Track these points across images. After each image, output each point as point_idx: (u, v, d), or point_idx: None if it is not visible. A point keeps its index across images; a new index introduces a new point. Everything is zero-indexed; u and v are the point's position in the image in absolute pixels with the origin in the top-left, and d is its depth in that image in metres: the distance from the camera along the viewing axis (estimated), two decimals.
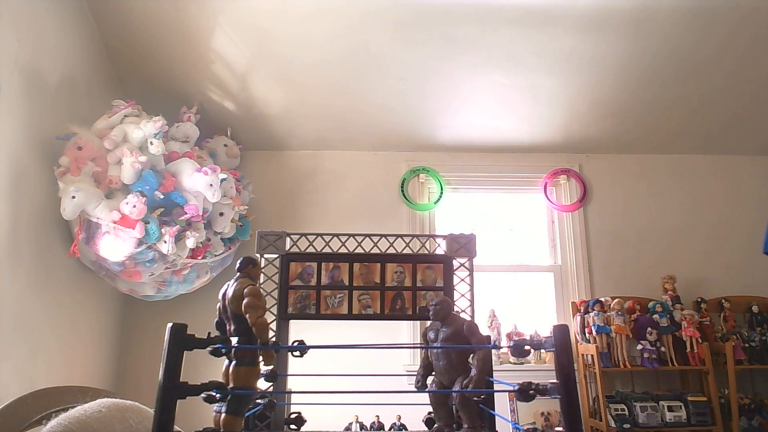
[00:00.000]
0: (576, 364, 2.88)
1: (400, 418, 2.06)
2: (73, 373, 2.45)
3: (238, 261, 0.92)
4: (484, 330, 2.58)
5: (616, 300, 2.91)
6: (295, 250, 1.38)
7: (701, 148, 3.39)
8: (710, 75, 2.86)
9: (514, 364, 3.01)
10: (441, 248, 1.38)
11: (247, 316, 0.84)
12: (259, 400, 1.10)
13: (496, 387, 1.00)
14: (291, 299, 1.35)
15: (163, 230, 2.24)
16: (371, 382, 1.05)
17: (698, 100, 3.02)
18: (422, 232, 3.22)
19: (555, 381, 0.74)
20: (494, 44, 2.67)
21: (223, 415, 0.82)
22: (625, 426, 2.60)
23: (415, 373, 1.07)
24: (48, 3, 2.27)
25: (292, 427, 1.24)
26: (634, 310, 2.95)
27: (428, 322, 1.10)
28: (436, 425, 1.04)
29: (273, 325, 1.27)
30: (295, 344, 0.98)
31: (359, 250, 1.40)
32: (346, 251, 1.40)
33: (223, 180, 2.47)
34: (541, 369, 2.98)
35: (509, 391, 0.81)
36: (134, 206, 2.15)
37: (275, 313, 1.32)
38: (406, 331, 3.03)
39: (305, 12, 2.51)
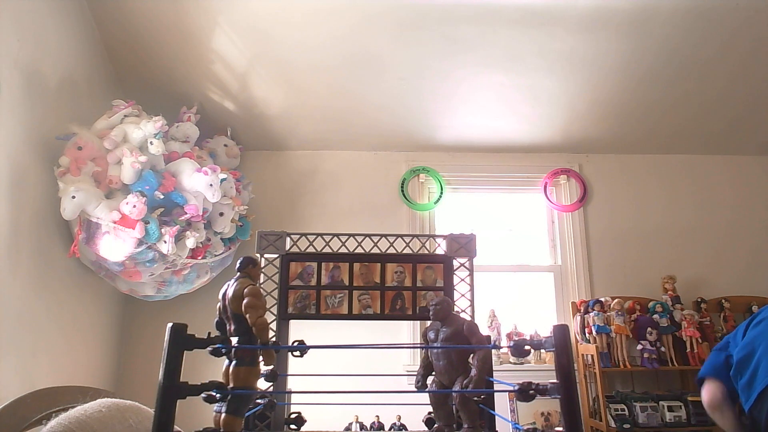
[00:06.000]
0: (576, 364, 2.88)
1: (400, 418, 2.06)
2: (73, 372, 2.45)
3: (238, 261, 0.92)
4: (484, 330, 2.58)
5: (616, 300, 2.91)
6: (295, 250, 1.38)
7: (703, 148, 3.39)
8: (712, 75, 2.86)
9: (514, 364, 3.01)
10: (441, 248, 1.38)
11: (247, 316, 0.84)
12: (259, 400, 1.10)
13: (496, 387, 1.00)
14: (291, 299, 1.35)
15: (163, 230, 2.24)
16: (371, 382, 1.05)
17: (700, 100, 3.02)
18: (422, 232, 3.22)
19: (555, 381, 0.74)
20: (494, 44, 2.67)
21: (223, 415, 0.82)
22: (625, 426, 2.60)
23: (415, 373, 1.07)
24: (48, 3, 2.27)
25: (292, 427, 1.24)
26: (634, 310, 2.95)
27: (428, 322, 1.10)
28: (436, 425, 1.04)
29: (273, 325, 1.28)
30: (295, 344, 0.98)
31: (359, 250, 1.40)
32: (346, 251, 1.40)
33: (223, 180, 2.47)
34: (541, 369, 2.98)
35: (509, 391, 0.81)
36: (134, 206, 2.15)
37: (275, 313, 1.32)
38: (406, 331, 3.03)
39: (305, 14, 2.50)
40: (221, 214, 2.60)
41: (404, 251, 1.39)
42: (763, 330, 1.55)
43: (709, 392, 1.60)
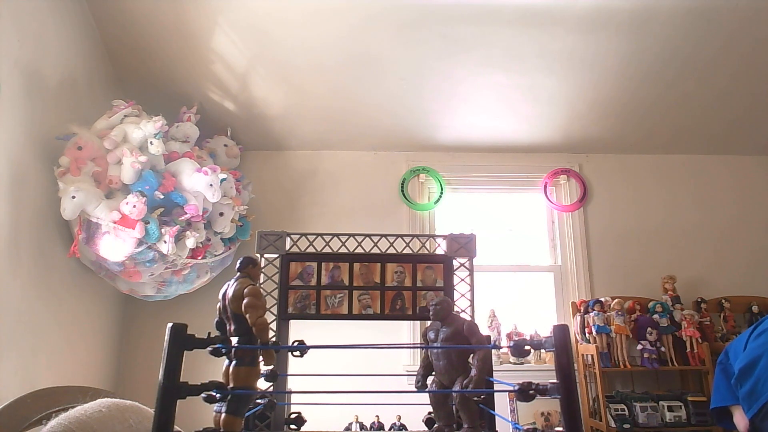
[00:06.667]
0: (576, 364, 2.88)
1: (400, 418, 2.05)
2: (74, 372, 2.45)
3: (238, 261, 0.92)
4: (484, 330, 2.58)
5: (616, 300, 2.91)
6: (295, 250, 1.38)
7: (703, 148, 3.39)
8: (712, 75, 2.86)
9: (514, 364, 3.01)
10: (441, 248, 1.38)
11: (247, 316, 0.84)
12: (259, 400, 1.10)
13: (496, 387, 1.00)
14: (291, 299, 1.35)
15: (163, 230, 2.24)
16: (371, 382, 1.05)
17: (700, 100, 3.02)
18: (422, 232, 3.22)
19: (555, 381, 0.74)
20: (494, 44, 2.67)
21: (223, 415, 0.82)
22: (625, 426, 2.60)
23: (415, 373, 1.07)
24: (49, 3, 2.27)
25: (292, 427, 1.24)
26: (634, 310, 2.95)
27: (428, 322, 1.10)
28: (436, 425, 1.03)
29: (273, 325, 1.28)
30: (295, 344, 0.98)
31: (359, 250, 1.40)
32: (346, 251, 1.40)
33: (223, 180, 2.47)
34: (541, 369, 2.98)
35: (509, 391, 0.81)
36: (134, 206, 2.15)
37: (275, 313, 1.32)
38: (406, 331, 3.03)
39: (305, 14, 2.50)
40: (221, 214, 2.60)
41: (404, 251, 1.39)
42: (765, 341, 1.57)
43: (744, 419, 1.61)
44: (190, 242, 2.38)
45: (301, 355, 1.06)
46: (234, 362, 0.85)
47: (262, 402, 1.10)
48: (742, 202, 3.34)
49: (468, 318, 1.29)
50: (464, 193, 3.43)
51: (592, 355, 2.79)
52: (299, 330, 1.29)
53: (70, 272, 2.42)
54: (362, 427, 2.26)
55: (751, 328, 1.71)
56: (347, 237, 1.41)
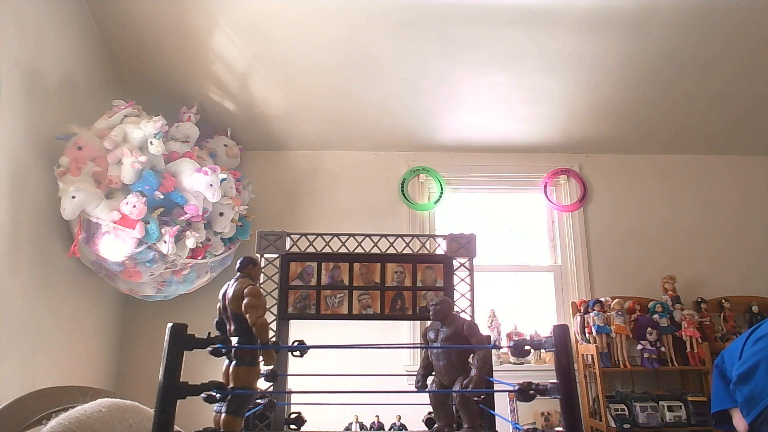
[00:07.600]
0: (576, 364, 2.88)
1: (400, 418, 2.05)
2: (74, 373, 2.45)
3: (238, 261, 0.91)
4: (484, 330, 2.58)
5: (616, 300, 2.91)
6: (295, 250, 1.38)
7: (703, 149, 3.39)
8: (713, 75, 2.86)
9: (514, 364, 3.01)
10: (441, 248, 1.38)
11: (247, 316, 0.84)
12: (259, 400, 1.10)
13: (496, 387, 1.00)
14: (291, 299, 1.35)
15: (163, 230, 2.24)
16: (371, 382, 1.05)
17: (700, 100, 3.02)
18: (422, 232, 3.22)
19: (555, 381, 0.74)
20: (494, 44, 2.67)
21: (223, 415, 0.82)
22: (625, 426, 2.60)
23: (415, 373, 1.07)
24: (48, 3, 2.27)
25: (292, 427, 1.24)
26: (634, 310, 2.95)
27: (428, 322, 1.10)
28: (436, 425, 1.03)
29: (273, 325, 1.28)
30: (295, 344, 0.98)
31: (359, 250, 1.40)
32: (346, 251, 1.40)
33: (223, 180, 2.47)
34: (541, 369, 2.98)
35: (509, 391, 0.81)
36: (134, 206, 2.15)
37: (275, 313, 1.32)
38: (406, 331, 3.03)
39: (305, 14, 2.50)
40: (221, 214, 2.60)
41: (404, 251, 1.39)
42: (764, 346, 1.58)
43: (744, 422, 1.63)
44: (190, 242, 2.38)
45: (301, 355, 1.05)
46: (234, 362, 0.84)
47: (262, 402, 1.10)
48: (742, 202, 3.34)
49: (468, 318, 1.29)
50: (464, 193, 3.43)
51: (592, 355, 2.79)
52: (299, 330, 1.28)
53: (70, 272, 2.42)
54: (362, 427, 2.26)
55: (747, 332, 1.72)
56: (347, 237, 1.41)
